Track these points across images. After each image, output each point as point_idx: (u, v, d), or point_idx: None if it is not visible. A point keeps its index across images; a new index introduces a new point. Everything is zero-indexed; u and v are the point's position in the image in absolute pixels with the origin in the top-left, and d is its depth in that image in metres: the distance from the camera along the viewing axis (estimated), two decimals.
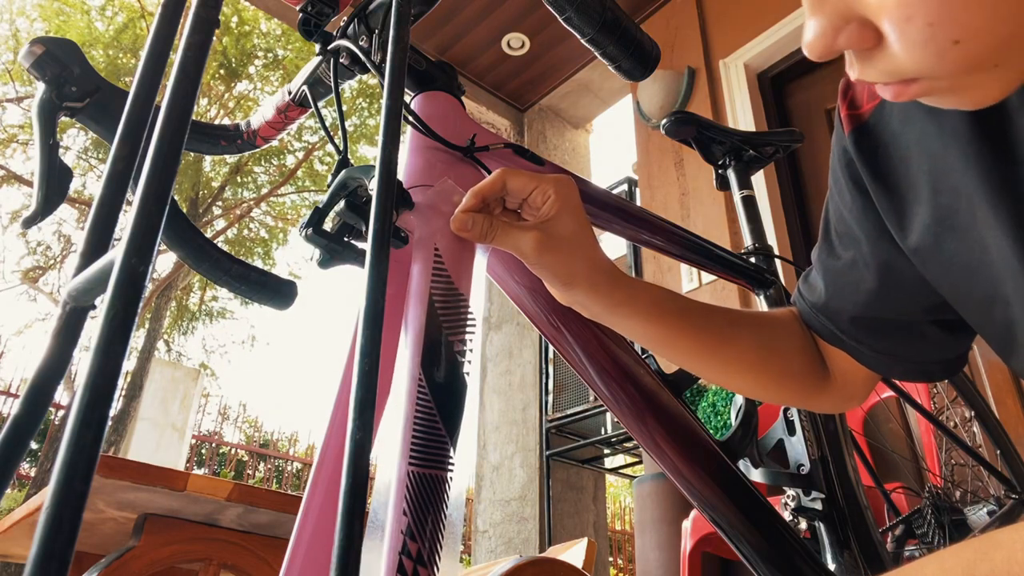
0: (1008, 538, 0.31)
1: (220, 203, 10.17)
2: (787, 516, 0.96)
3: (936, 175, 0.49)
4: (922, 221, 0.50)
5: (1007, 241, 0.44)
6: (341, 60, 0.65)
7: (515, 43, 3.62)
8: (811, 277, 0.65)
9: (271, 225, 10.81)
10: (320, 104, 0.75)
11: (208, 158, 9.33)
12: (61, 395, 6.98)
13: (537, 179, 0.54)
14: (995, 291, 0.47)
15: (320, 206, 0.56)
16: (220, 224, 10.28)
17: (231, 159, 9.68)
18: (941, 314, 0.56)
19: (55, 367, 0.23)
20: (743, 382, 0.65)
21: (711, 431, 0.86)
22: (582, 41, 0.65)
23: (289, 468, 9.34)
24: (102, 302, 0.20)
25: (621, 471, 3.81)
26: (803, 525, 0.95)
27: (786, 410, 1.00)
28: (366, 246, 0.33)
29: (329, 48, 0.66)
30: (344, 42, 0.63)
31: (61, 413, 7.46)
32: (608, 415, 2.97)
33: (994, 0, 0.33)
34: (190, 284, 10.39)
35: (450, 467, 0.46)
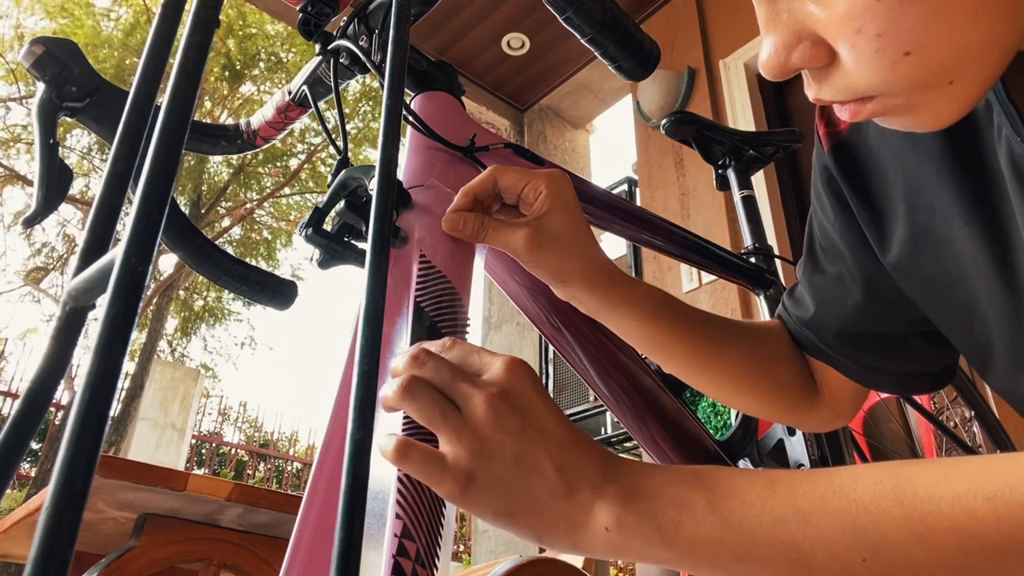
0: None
1: (223, 205, 10.19)
2: None
3: (912, 191, 0.49)
4: (900, 237, 0.50)
5: (982, 257, 0.44)
6: (341, 60, 0.65)
7: (515, 43, 3.62)
8: (796, 292, 0.65)
9: (274, 226, 10.82)
10: (321, 104, 0.75)
11: (213, 159, 9.34)
12: (61, 395, 6.98)
13: (528, 175, 0.54)
14: (972, 306, 0.46)
15: (320, 206, 0.56)
16: (223, 225, 10.30)
17: (235, 160, 9.70)
18: (927, 326, 0.55)
19: (55, 367, 0.23)
20: (734, 393, 0.64)
21: (711, 431, 0.86)
22: (582, 41, 0.65)
23: (289, 468, 9.35)
24: (102, 302, 0.20)
25: None
26: None
27: None
28: (366, 246, 0.33)
29: (329, 48, 0.66)
30: (344, 42, 0.63)
31: (61, 413, 7.46)
32: (608, 415, 2.97)
33: (944, 12, 0.32)
34: (195, 285, 10.40)
35: None
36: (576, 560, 1.30)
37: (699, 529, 0.35)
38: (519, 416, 0.39)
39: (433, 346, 0.43)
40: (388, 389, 0.41)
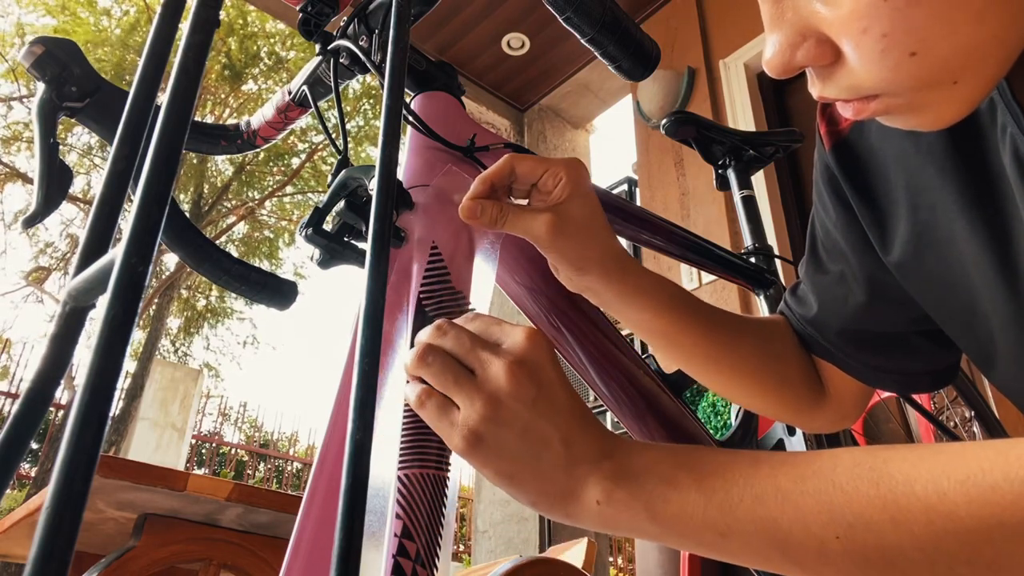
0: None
1: (225, 204, 10.19)
2: None
3: (914, 191, 0.49)
4: (902, 236, 0.50)
5: (984, 256, 0.44)
6: (341, 60, 0.65)
7: (515, 43, 3.62)
8: (799, 291, 0.65)
9: (276, 225, 10.83)
10: (321, 104, 0.75)
11: (215, 158, 9.34)
12: (61, 395, 6.98)
13: (547, 162, 0.53)
14: (974, 305, 0.47)
15: (320, 206, 0.56)
16: (226, 223, 10.30)
17: (237, 159, 9.70)
18: (929, 325, 0.55)
19: (55, 367, 0.23)
20: (741, 388, 0.64)
21: (711, 431, 0.86)
22: (582, 41, 0.65)
23: (289, 468, 9.35)
24: (102, 302, 0.20)
25: None
26: None
27: None
28: (366, 246, 0.33)
29: (329, 48, 0.66)
30: (344, 42, 0.63)
31: (61, 413, 7.46)
32: (608, 415, 2.97)
33: (949, 12, 0.33)
34: (197, 284, 10.40)
35: (447, 466, 0.46)
36: (576, 560, 1.30)
37: (684, 505, 0.37)
38: (535, 386, 0.40)
39: (457, 319, 0.45)
40: (408, 357, 0.43)
